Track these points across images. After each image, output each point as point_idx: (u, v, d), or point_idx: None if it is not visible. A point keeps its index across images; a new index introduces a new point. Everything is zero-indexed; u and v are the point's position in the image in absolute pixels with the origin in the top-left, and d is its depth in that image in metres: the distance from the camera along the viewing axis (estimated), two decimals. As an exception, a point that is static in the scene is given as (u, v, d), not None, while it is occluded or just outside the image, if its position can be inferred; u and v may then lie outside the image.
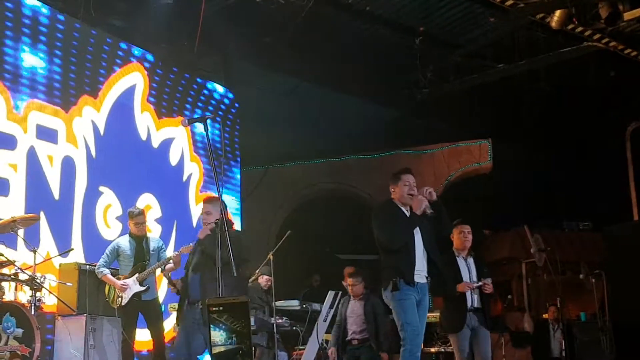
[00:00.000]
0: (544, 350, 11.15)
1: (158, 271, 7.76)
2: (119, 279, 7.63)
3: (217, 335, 4.67)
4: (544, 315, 12.10)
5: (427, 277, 5.79)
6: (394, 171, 6.11)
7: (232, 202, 11.67)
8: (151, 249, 7.78)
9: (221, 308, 4.72)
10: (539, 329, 11.71)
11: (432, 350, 8.53)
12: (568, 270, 12.00)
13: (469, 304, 6.65)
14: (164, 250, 7.85)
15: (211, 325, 4.70)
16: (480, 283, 6.69)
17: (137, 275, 7.58)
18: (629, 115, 14.59)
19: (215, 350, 4.71)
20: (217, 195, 5.15)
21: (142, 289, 7.55)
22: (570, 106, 14.22)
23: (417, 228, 5.79)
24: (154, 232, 9.37)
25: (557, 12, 9.47)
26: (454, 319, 6.71)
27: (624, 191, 14.92)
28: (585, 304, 12.70)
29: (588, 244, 14.64)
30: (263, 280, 8.99)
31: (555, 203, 16.10)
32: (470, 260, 6.87)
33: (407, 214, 5.85)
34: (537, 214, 14.37)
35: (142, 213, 7.93)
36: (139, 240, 7.78)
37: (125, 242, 7.82)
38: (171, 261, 7.59)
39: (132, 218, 7.80)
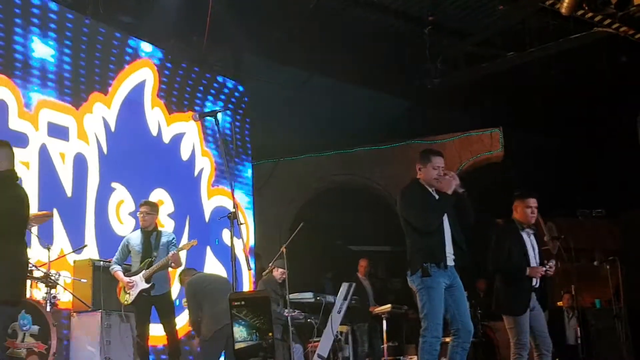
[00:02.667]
0: (559, 338, 11.11)
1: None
2: (129, 275, 7.64)
3: (238, 332, 4.67)
4: (558, 303, 12.06)
5: (454, 260, 5.69)
6: (424, 149, 5.99)
7: (243, 196, 11.69)
8: (160, 243, 7.73)
9: (243, 303, 4.71)
10: (553, 316, 11.65)
11: (447, 340, 8.53)
12: (582, 257, 11.95)
13: (533, 283, 6.47)
14: (175, 245, 7.80)
15: (233, 321, 4.70)
16: (547, 267, 6.51)
17: (144, 272, 7.57)
18: (641, 101, 14.49)
19: (237, 346, 4.72)
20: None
21: (147, 286, 7.52)
22: (582, 93, 14.13)
23: (446, 216, 5.70)
24: (166, 227, 9.39)
25: (567, -1, 9.41)
26: (518, 301, 6.42)
27: (637, 177, 14.83)
28: (599, 291, 12.65)
29: (602, 231, 14.56)
30: (278, 273, 9.00)
31: (568, 190, 16.01)
32: (533, 237, 6.66)
33: (435, 195, 5.75)
34: (550, 202, 14.30)
35: (147, 203, 7.93)
36: (148, 235, 7.76)
37: (135, 238, 7.82)
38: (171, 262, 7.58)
39: (139, 208, 7.84)
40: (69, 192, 8.62)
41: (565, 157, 15.63)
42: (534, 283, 6.50)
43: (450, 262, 5.64)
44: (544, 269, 6.49)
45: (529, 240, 6.63)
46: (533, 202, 6.67)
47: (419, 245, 5.64)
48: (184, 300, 9.18)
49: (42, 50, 8.59)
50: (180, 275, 8.64)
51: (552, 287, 13.60)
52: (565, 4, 9.47)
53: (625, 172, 15.22)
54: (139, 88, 9.93)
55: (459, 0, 11.44)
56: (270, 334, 4.67)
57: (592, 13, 9.77)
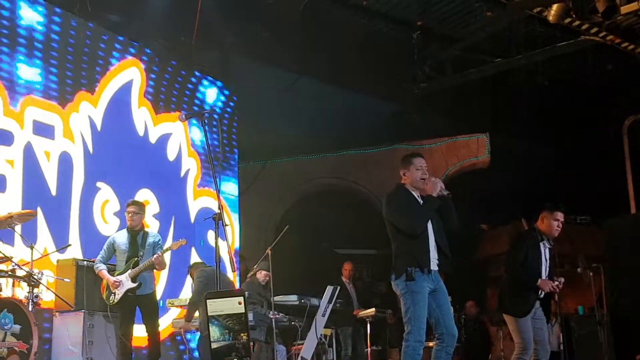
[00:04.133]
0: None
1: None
2: (113, 274, 7.61)
3: (214, 331, 4.69)
4: (542, 310, 12.08)
5: (438, 265, 5.71)
6: (406, 154, 5.99)
7: (230, 197, 11.67)
8: (147, 243, 7.71)
9: (218, 303, 4.72)
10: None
11: (431, 344, 8.54)
12: (566, 263, 11.98)
13: (538, 292, 6.65)
14: (160, 247, 7.80)
15: (209, 321, 4.72)
16: (557, 282, 6.68)
17: (129, 271, 7.55)
18: (627, 108, 14.59)
19: (214, 345, 4.73)
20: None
21: (134, 285, 7.50)
22: (568, 100, 14.22)
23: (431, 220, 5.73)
24: (152, 227, 9.36)
25: (555, 6, 9.46)
26: (523, 304, 6.61)
27: (622, 184, 14.93)
28: (583, 298, 12.70)
29: (586, 238, 14.62)
30: (261, 275, 9.00)
31: (553, 197, 16.08)
32: (547, 251, 6.79)
33: (419, 199, 5.77)
34: (534, 208, 14.36)
35: (135, 203, 7.91)
36: (134, 235, 7.73)
37: (121, 237, 7.79)
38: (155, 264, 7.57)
39: (126, 208, 7.81)
40: (53, 191, 8.57)
41: (550, 163, 15.70)
42: (539, 292, 6.64)
43: (434, 266, 5.65)
44: (554, 284, 6.64)
45: (544, 253, 6.78)
46: (561, 215, 6.81)
47: (404, 250, 5.65)
48: (168, 301, 9.18)
49: (28, 55, 8.54)
50: (190, 268, 8.74)
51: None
52: (553, 12, 9.53)
53: (610, 178, 15.31)
54: (126, 87, 9.90)
55: (447, 5, 11.50)
56: (243, 334, 4.67)
57: (579, 21, 9.84)
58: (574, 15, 9.65)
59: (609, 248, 12.15)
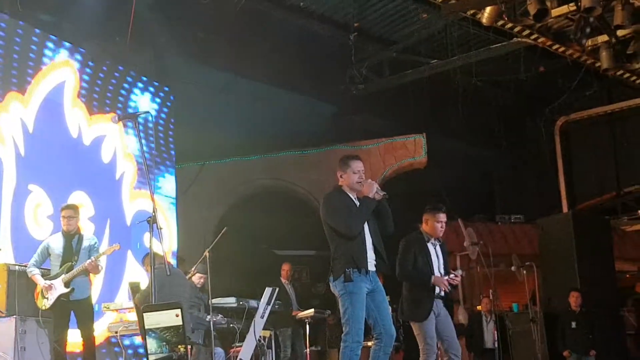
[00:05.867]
0: (477, 341, 11.36)
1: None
2: (48, 279, 7.46)
3: (151, 343, 4.65)
4: (477, 307, 12.30)
5: (375, 265, 5.75)
6: (343, 156, 5.99)
7: (167, 200, 11.55)
8: (82, 247, 7.59)
9: (155, 316, 4.69)
10: (472, 320, 11.90)
11: (370, 344, 8.59)
12: (501, 262, 12.23)
13: (437, 290, 6.67)
14: (97, 249, 7.68)
15: (146, 334, 4.69)
16: (453, 275, 6.72)
17: (63, 275, 7.41)
18: (558, 110, 14.95)
19: (151, 358, 4.70)
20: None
21: (67, 290, 7.37)
22: (503, 101, 14.50)
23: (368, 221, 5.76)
24: (87, 230, 9.19)
25: (488, 9, 9.61)
26: (421, 307, 6.64)
27: (554, 184, 15.30)
28: (517, 296, 12.97)
29: (520, 237, 14.94)
30: (196, 278, 8.92)
31: (488, 196, 16.40)
32: (438, 248, 6.85)
33: (356, 201, 5.78)
34: (471, 208, 14.61)
35: (70, 207, 7.77)
36: (69, 238, 7.60)
37: (55, 241, 7.64)
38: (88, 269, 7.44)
39: (60, 212, 7.66)
40: (-17, 194, 8.35)
41: (485, 163, 16.00)
42: (437, 291, 6.70)
43: (371, 267, 5.69)
44: (447, 278, 6.70)
45: (434, 251, 6.85)
46: (443, 217, 6.86)
47: (341, 251, 5.68)
48: (104, 305, 9.02)
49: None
50: (145, 258, 8.48)
51: (471, 291, 13.96)
52: (486, 14, 9.67)
53: (542, 178, 15.68)
54: (59, 88, 9.69)
55: (383, 7, 11.60)
56: (181, 346, 4.64)
57: (511, 24, 10.02)
58: (506, 18, 9.82)
59: (542, 246, 12.42)
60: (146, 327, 4.70)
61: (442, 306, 6.75)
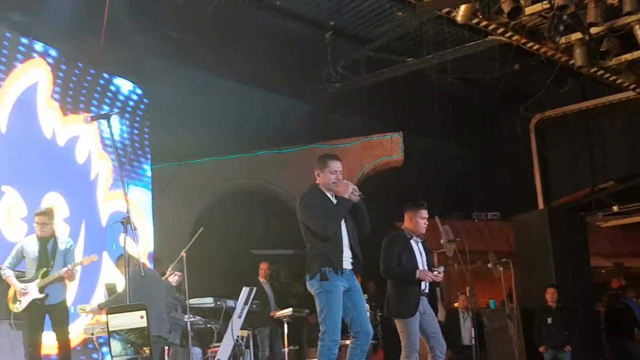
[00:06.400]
0: (455, 339, 11.40)
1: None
2: (23, 282, 7.37)
3: (116, 346, 4.64)
4: (454, 304, 12.36)
5: (352, 264, 5.75)
6: (321, 154, 6.03)
7: (143, 200, 11.47)
8: (57, 252, 7.51)
9: (120, 317, 4.68)
10: (449, 317, 11.95)
11: (347, 342, 8.60)
12: (477, 259, 12.29)
13: (422, 286, 6.72)
14: (72, 253, 7.62)
15: (110, 336, 4.68)
16: (436, 271, 6.77)
17: (38, 280, 7.33)
18: (533, 107, 15.05)
19: None
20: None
21: (41, 296, 7.30)
22: (478, 99, 14.56)
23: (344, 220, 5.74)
24: (62, 231, 9.09)
25: (462, 7, 9.64)
26: (408, 304, 6.66)
27: (530, 181, 15.41)
28: (494, 292, 13.04)
29: (496, 234, 15.02)
30: (174, 278, 8.89)
31: (465, 194, 16.46)
32: (420, 245, 6.91)
33: (334, 200, 5.78)
34: (447, 206, 14.65)
35: (44, 213, 7.65)
36: (45, 242, 7.52)
37: (30, 244, 7.56)
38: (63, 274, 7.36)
39: (35, 218, 7.57)
40: (-45, 197, 8.25)
41: (462, 161, 16.05)
42: (423, 287, 6.76)
43: (347, 265, 5.70)
44: (433, 274, 6.73)
45: (417, 248, 6.90)
46: (426, 213, 6.94)
47: (317, 250, 5.69)
48: (79, 307, 8.94)
49: None
50: (119, 259, 8.40)
51: (448, 289, 14.01)
52: (460, 12, 9.70)
53: (518, 175, 15.77)
54: (32, 88, 9.59)
55: (359, 6, 11.60)
56: (146, 348, 4.63)
57: (486, 22, 10.05)
58: (480, 16, 9.86)
59: (518, 243, 12.50)
60: (111, 329, 4.69)
61: (427, 304, 6.80)
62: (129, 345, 4.63)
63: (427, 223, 6.96)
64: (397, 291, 6.82)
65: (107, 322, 4.75)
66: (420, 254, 6.88)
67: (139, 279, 6.92)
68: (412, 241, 6.87)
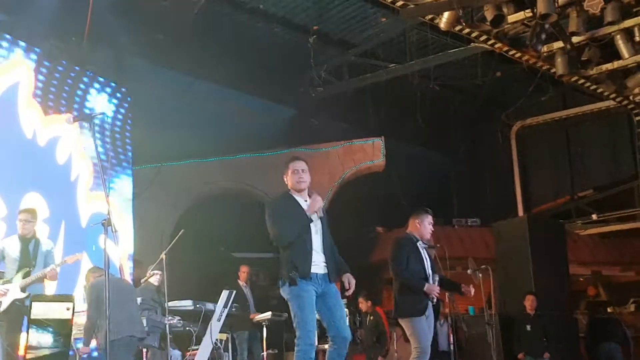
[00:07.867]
0: (432, 344, 11.40)
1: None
2: (2, 282, 7.32)
3: (33, 334, 4.57)
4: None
5: (326, 267, 5.66)
6: (285, 159, 6.03)
7: (123, 202, 11.41)
8: (39, 253, 7.45)
9: (43, 305, 4.63)
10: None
11: (327, 347, 8.59)
12: (457, 265, 12.33)
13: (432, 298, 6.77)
14: (52, 255, 7.57)
15: (32, 326, 4.60)
16: (465, 288, 6.95)
17: (20, 281, 7.27)
18: (514, 114, 15.16)
19: (40, 353, 4.62)
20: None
21: (23, 296, 7.19)
22: (460, 106, 14.64)
23: (317, 224, 5.68)
24: (42, 232, 9.03)
25: (446, 14, 9.71)
26: (416, 304, 6.67)
27: (510, 188, 15.50)
28: (473, 299, 13.06)
29: (476, 240, 15.06)
30: (155, 278, 8.86)
31: (446, 200, 16.54)
32: (425, 251, 6.93)
33: (305, 203, 5.70)
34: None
35: (28, 211, 7.64)
36: (26, 242, 7.46)
37: (12, 244, 7.49)
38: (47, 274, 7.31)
39: (19, 215, 7.53)
40: None
41: (443, 167, 16.13)
42: (429, 297, 6.77)
43: (318, 270, 5.64)
44: (439, 289, 6.79)
45: (423, 253, 6.93)
46: (432, 219, 7.02)
47: (285, 256, 5.65)
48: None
49: None
50: (88, 273, 8.30)
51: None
52: (444, 19, 9.77)
53: (499, 182, 15.86)
54: (13, 88, 9.53)
55: (343, 11, 11.65)
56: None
57: (469, 29, 10.14)
58: (464, 23, 9.94)
59: (498, 250, 12.55)
60: (32, 317, 4.57)
61: (431, 309, 6.79)
62: (56, 336, 4.56)
63: (433, 228, 7.02)
64: (405, 293, 6.82)
65: (29, 309, 4.61)
66: (426, 259, 6.92)
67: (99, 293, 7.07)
68: (418, 245, 6.90)
